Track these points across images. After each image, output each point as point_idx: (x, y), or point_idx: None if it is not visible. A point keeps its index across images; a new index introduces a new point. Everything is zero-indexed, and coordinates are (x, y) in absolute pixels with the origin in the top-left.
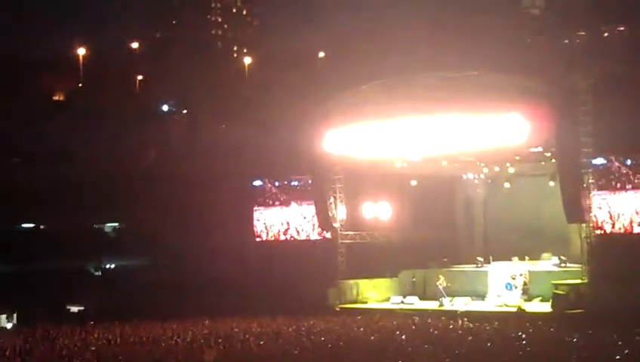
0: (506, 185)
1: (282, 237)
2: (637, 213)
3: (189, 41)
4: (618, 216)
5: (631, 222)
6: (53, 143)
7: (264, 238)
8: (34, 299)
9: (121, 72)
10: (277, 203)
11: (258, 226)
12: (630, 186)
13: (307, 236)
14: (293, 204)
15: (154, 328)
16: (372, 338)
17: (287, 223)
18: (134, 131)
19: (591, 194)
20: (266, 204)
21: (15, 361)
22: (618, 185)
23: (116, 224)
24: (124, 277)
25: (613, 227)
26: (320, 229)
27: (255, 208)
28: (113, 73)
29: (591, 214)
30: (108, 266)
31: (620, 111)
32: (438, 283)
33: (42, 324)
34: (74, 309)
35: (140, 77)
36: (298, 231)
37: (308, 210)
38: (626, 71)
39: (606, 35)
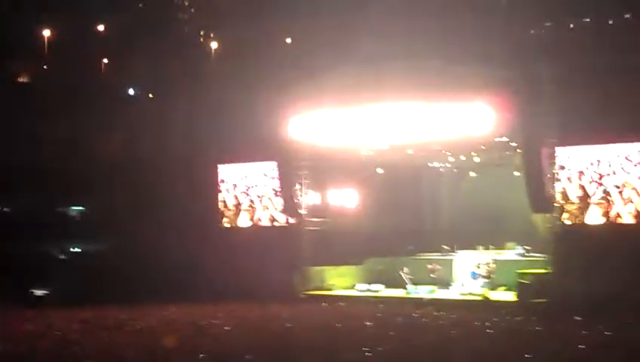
0: (472, 174)
1: (247, 224)
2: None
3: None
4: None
5: None
6: (16, 126)
7: (229, 224)
8: None
9: (86, 55)
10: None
11: (223, 211)
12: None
13: (271, 222)
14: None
15: (118, 313)
16: (338, 324)
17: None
18: (100, 115)
19: (555, 185)
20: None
21: None
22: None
23: (81, 208)
24: (89, 261)
25: (576, 217)
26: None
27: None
28: (79, 56)
29: (555, 205)
30: (72, 250)
31: (585, 102)
32: (403, 271)
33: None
34: (38, 293)
35: (105, 60)
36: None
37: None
38: (592, 62)
39: (572, 26)
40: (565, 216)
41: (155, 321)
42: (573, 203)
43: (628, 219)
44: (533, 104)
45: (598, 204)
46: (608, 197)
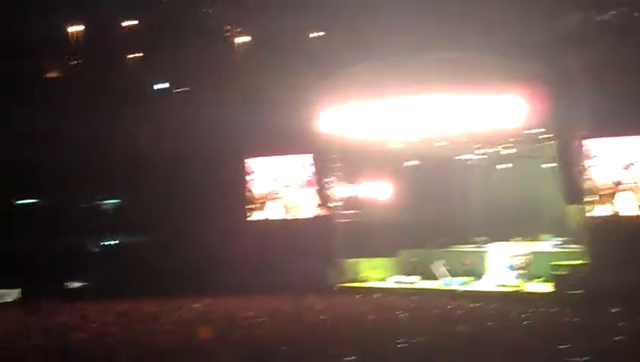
0: (503, 166)
1: (279, 217)
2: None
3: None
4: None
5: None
6: (46, 122)
7: (260, 217)
8: (33, 276)
9: (113, 50)
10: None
11: (253, 204)
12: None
13: (304, 215)
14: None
15: (153, 306)
16: (372, 316)
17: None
18: (128, 110)
19: (587, 176)
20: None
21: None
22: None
23: (115, 201)
24: (124, 254)
25: (610, 208)
26: (319, 208)
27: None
28: (105, 51)
29: (588, 196)
30: (107, 243)
31: (617, 94)
32: (438, 263)
33: (42, 300)
34: (74, 286)
35: (132, 55)
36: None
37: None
38: (624, 54)
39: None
40: (598, 206)
41: (189, 314)
42: (605, 193)
43: None
44: (564, 96)
45: (629, 192)
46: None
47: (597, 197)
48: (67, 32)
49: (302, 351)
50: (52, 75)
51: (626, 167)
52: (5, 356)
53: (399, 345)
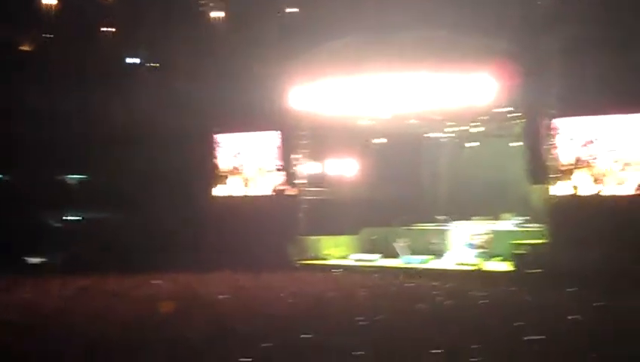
0: (471, 144)
1: (243, 193)
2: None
3: None
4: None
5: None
6: (16, 95)
7: (225, 193)
8: None
9: (88, 23)
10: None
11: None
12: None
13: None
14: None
15: (115, 281)
16: (331, 294)
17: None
18: (100, 85)
19: (553, 156)
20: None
21: None
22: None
23: (80, 176)
24: (87, 230)
25: (573, 188)
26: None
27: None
28: (80, 24)
29: (552, 175)
30: (70, 219)
31: (587, 74)
32: (398, 241)
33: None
34: (33, 261)
35: (106, 29)
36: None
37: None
38: (595, 34)
39: None
40: (561, 186)
41: (152, 290)
42: (569, 173)
43: (623, 189)
44: (534, 75)
45: (592, 173)
46: (603, 167)
47: (558, 176)
48: (41, 4)
49: (262, 328)
50: (24, 47)
51: (585, 145)
52: None
53: (359, 323)
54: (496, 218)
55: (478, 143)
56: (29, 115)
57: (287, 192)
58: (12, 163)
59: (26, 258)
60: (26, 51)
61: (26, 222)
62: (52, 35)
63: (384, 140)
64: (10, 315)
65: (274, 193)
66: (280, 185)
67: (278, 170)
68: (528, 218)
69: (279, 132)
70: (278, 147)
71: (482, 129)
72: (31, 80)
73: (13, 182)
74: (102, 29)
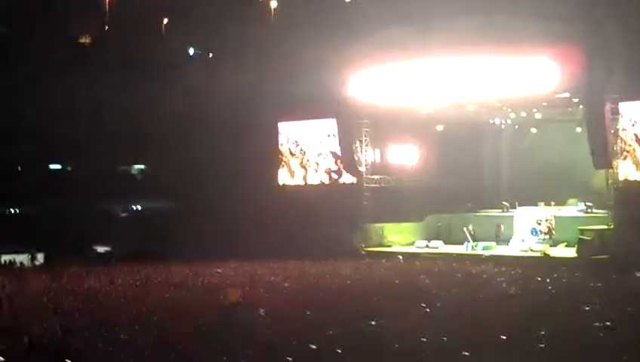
0: (533, 130)
1: (308, 182)
2: None
3: None
4: None
5: None
6: (77, 87)
7: (289, 183)
8: (60, 240)
9: (147, 15)
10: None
11: (283, 169)
12: None
13: (332, 180)
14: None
15: (180, 270)
16: (396, 281)
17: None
18: (161, 76)
19: (617, 140)
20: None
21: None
22: None
23: (142, 166)
24: (151, 219)
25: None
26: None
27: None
28: (139, 17)
29: (617, 160)
30: (134, 208)
31: None
32: (465, 227)
33: (68, 264)
34: (100, 250)
35: (165, 21)
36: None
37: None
38: None
39: None
40: (626, 171)
41: (217, 278)
42: (633, 158)
43: None
44: (597, 60)
45: None
46: None
47: (622, 161)
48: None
49: (326, 316)
50: (84, 40)
51: None
52: (31, 322)
53: (425, 310)
54: (562, 203)
55: (540, 129)
56: (90, 106)
57: (351, 180)
58: (78, 155)
59: (94, 247)
60: (88, 45)
61: (90, 212)
62: (111, 28)
63: (442, 127)
64: (77, 304)
65: (338, 182)
66: (344, 173)
67: (343, 158)
68: (593, 204)
69: (341, 120)
70: (342, 135)
71: (543, 115)
72: (92, 72)
73: (79, 173)
74: (164, 21)
